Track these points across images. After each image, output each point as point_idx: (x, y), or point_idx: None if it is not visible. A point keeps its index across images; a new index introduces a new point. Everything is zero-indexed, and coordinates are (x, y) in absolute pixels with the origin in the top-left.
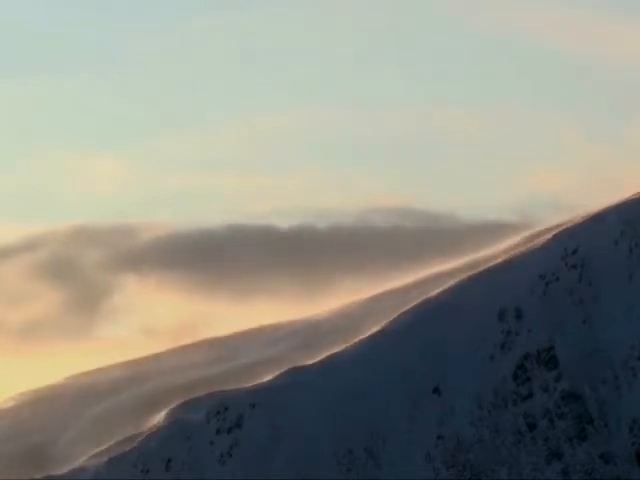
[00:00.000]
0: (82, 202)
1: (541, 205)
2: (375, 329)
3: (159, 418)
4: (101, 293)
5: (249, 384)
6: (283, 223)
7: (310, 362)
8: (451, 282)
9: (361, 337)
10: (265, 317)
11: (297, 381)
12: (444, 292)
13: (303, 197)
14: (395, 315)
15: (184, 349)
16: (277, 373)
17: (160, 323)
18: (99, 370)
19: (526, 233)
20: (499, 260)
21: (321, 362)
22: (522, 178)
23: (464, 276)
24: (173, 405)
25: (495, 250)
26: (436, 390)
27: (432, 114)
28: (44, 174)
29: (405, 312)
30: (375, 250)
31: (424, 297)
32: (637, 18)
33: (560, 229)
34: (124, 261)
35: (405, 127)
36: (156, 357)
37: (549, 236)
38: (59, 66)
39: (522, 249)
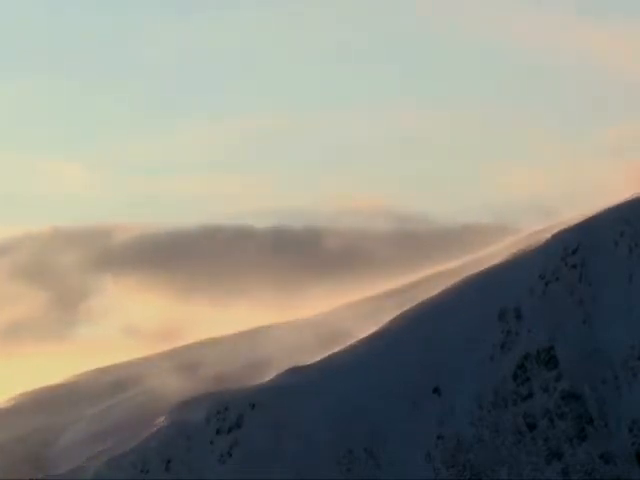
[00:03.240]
0: (59, 204)
1: (517, 207)
2: (375, 330)
3: (159, 418)
4: (79, 295)
5: (249, 384)
6: (260, 224)
7: (310, 362)
8: (450, 282)
9: (361, 338)
10: (244, 318)
11: (297, 381)
12: (444, 292)
13: (280, 198)
14: (395, 316)
15: (182, 350)
16: (277, 373)
17: (140, 325)
18: (99, 371)
19: (514, 237)
20: (498, 260)
21: (321, 362)
22: (498, 180)
23: (462, 277)
24: (173, 405)
25: (482, 252)
26: (436, 390)
27: (408, 116)
28: (20, 177)
29: (405, 312)
30: (353, 251)
31: (424, 298)
32: (612, 20)
33: (559, 229)
34: (102, 263)
35: (380, 129)
36: (154, 358)
37: (548, 236)
38: (32, 70)
39: (522, 249)
